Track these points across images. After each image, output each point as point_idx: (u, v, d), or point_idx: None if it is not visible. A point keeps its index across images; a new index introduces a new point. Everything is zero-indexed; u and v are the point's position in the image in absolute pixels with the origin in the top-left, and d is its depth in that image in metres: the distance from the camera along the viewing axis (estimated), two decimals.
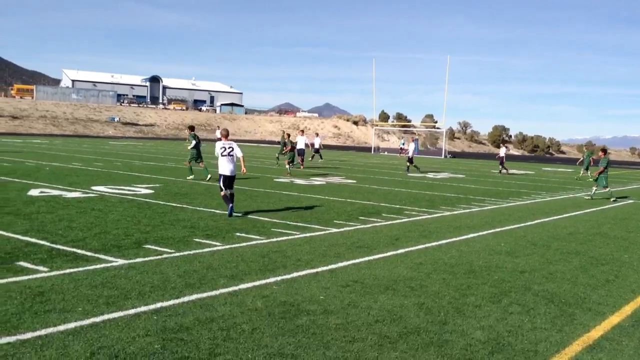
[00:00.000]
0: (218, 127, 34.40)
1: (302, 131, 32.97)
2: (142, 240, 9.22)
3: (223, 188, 12.35)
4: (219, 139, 13.25)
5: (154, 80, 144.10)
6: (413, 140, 31.57)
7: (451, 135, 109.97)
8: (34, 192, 14.28)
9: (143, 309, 5.86)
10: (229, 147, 12.63)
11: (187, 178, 19.84)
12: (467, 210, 15.27)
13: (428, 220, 13.24)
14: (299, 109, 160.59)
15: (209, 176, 19.31)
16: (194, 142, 20.19)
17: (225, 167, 12.46)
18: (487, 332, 5.73)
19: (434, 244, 10.26)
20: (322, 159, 34.98)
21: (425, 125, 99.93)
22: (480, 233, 11.71)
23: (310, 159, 34.41)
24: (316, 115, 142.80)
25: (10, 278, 6.68)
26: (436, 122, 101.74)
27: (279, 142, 25.51)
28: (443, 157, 60.38)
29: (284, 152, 26.29)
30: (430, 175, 29.32)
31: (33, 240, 8.79)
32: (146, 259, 8.00)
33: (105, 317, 5.56)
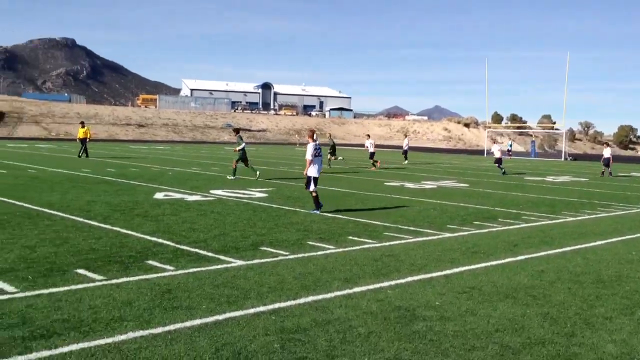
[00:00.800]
0: (316, 132, 35.92)
1: (369, 135, 35.43)
2: (259, 242, 9.52)
3: (314, 188, 12.92)
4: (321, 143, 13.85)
5: (266, 87, 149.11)
6: (495, 142, 31.11)
7: (571, 136, 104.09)
8: (159, 196, 15.20)
9: (262, 309, 6.04)
10: (319, 149, 13.27)
11: (228, 177, 20.98)
12: (593, 216, 14.36)
13: (549, 225, 12.59)
14: (407, 112, 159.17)
15: (232, 177, 20.68)
16: (243, 144, 21.20)
17: (317, 169, 13.07)
18: (620, 347, 5.33)
19: (556, 251, 9.73)
20: (406, 160, 37.03)
21: (542, 127, 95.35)
22: (608, 240, 10.96)
23: (405, 162, 36.59)
24: (425, 118, 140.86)
25: (141, 275, 7.14)
26: (554, 122, 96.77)
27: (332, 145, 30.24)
28: (563, 159, 57.32)
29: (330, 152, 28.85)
30: (549, 178, 27.91)
31: (160, 240, 9.35)
32: (263, 260, 8.25)
33: (227, 315, 5.78)
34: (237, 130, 22.34)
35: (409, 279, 7.48)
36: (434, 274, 7.75)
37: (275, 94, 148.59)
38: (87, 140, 32.10)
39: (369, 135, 34.96)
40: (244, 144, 21.18)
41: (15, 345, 4.78)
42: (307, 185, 13.12)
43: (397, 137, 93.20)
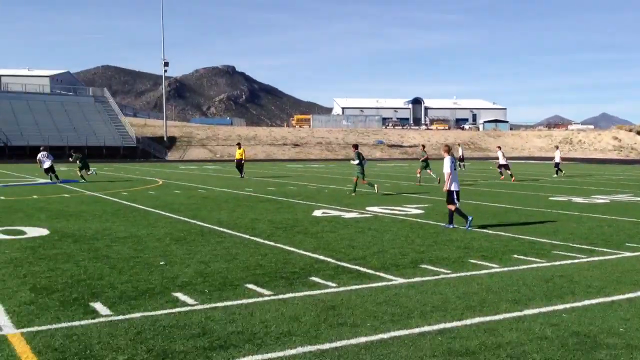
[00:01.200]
0: (497, 147, 35.33)
1: (500, 147, 34.85)
2: (418, 259, 9.38)
3: (457, 202, 12.82)
4: (459, 158, 13.88)
5: (416, 102, 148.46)
6: None
7: None
8: (317, 213, 15.63)
9: (427, 328, 5.90)
10: (455, 162, 13.30)
11: (352, 194, 20.88)
12: None
13: None
14: (570, 122, 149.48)
15: (375, 191, 21.01)
16: (357, 160, 21.25)
17: (457, 183, 12.96)
18: None
19: None
20: (561, 172, 34.80)
21: None
22: None
23: (554, 175, 33.98)
24: (591, 126, 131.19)
25: (306, 291, 7.34)
26: None
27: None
28: None
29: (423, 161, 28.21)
30: None
31: (321, 257, 9.57)
32: (423, 278, 8.10)
33: (392, 334, 5.73)
34: (355, 146, 22.67)
35: (586, 302, 6.89)
36: (615, 297, 7.07)
37: (426, 108, 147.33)
38: (243, 161, 33.28)
39: (500, 147, 34.65)
40: (358, 160, 21.38)
41: (197, 355, 5.13)
42: (450, 200, 12.85)
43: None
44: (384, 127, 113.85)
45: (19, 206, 17.22)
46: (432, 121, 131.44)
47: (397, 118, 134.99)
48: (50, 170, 28.28)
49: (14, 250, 10.07)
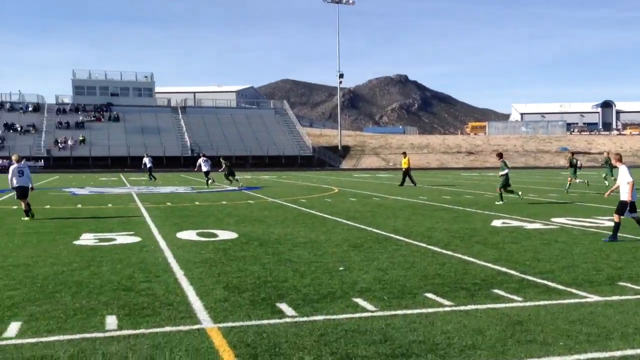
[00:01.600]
0: None
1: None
2: (615, 276, 8.52)
3: (623, 214, 11.67)
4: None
5: (606, 105, 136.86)
6: None
7: None
8: (496, 223, 14.96)
9: (630, 352, 5.31)
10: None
11: (496, 203, 20.46)
12: None
13: None
14: None
15: (500, 202, 20.40)
16: (506, 170, 20.74)
17: (635, 193, 11.71)
18: None
19: None
20: None
21: None
22: None
23: None
24: None
25: (488, 304, 7.01)
26: None
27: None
28: None
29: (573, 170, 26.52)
30: None
31: (503, 269, 9.11)
32: (623, 297, 7.33)
33: (589, 355, 5.24)
34: (500, 155, 21.95)
35: None
36: None
37: (618, 112, 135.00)
38: (404, 169, 32.74)
39: None
40: (507, 170, 20.78)
41: None
42: (621, 210, 11.68)
43: None
44: (568, 132, 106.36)
45: (210, 211, 18.80)
46: (624, 126, 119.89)
47: (584, 123, 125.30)
48: (207, 174, 32.77)
49: (209, 251, 10.98)
